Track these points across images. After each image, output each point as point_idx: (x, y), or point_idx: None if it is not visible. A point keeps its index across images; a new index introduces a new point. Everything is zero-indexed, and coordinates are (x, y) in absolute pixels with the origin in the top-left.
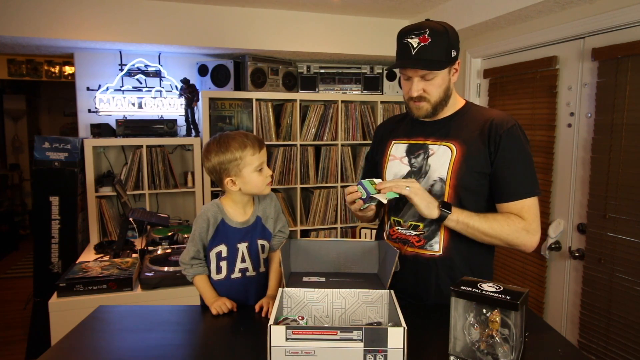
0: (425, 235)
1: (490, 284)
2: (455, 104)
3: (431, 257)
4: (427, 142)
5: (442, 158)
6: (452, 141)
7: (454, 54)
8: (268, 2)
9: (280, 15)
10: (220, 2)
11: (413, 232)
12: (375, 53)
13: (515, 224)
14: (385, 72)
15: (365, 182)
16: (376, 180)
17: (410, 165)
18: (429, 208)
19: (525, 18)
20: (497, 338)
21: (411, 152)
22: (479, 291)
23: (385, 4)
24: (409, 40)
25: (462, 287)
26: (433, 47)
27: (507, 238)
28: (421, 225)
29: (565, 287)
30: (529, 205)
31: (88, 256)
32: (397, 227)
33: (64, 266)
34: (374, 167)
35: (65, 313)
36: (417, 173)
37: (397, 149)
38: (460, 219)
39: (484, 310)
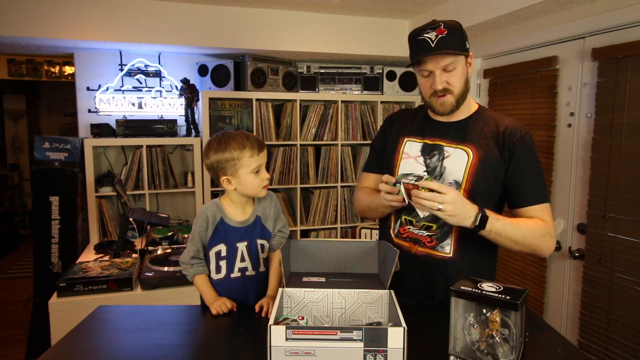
0: (437, 236)
1: (490, 284)
2: (470, 106)
3: (441, 259)
4: (442, 143)
5: (458, 161)
6: (468, 145)
7: (467, 45)
8: (268, 2)
9: (280, 15)
10: (221, 2)
11: (425, 233)
12: (375, 53)
13: (542, 229)
14: (385, 72)
15: (403, 179)
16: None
17: (426, 165)
18: (460, 223)
19: (525, 18)
20: (497, 338)
21: (426, 152)
22: (479, 291)
23: (385, 4)
24: (426, 35)
25: (462, 287)
26: (450, 37)
27: (535, 243)
28: (434, 226)
29: (565, 287)
30: (547, 211)
31: (88, 256)
32: (408, 226)
33: (64, 266)
34: (381, 158)
35: (65, 313)
36: (432, 174)
37: (411, 148)
38: (494, 230)
39: (484, 310)
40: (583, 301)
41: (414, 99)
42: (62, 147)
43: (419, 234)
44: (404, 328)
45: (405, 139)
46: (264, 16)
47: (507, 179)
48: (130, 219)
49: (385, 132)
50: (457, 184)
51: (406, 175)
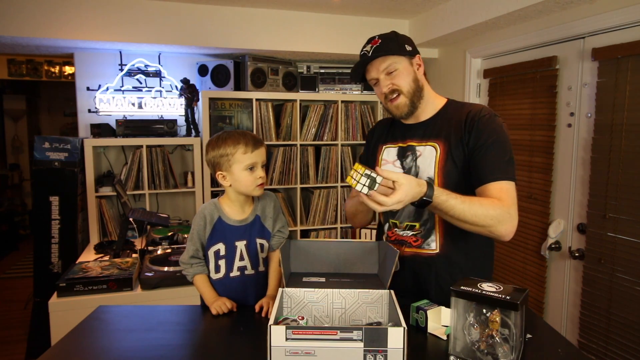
0: (422, 234)
1: (490, 284)
2: (435, 104)
3: (429, 256)
4: (413, 143)
5: (428, 158)
6: (436, 140)
7: (408, 48)
8: (268, 2)
9: (280, 15)
10: (220, 2)
11: (410, 233)
12: None
13: (498, 208)
14: None
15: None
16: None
17: (402, 167)
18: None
19: (525, 18)
20: (497, 338)
21: (401, 154)
22: (479, 291)
23: (385, 4)
24: (364, 50)
25: (462, 287)
26: (385, 44)
27: (490, 223)
28: (417, 225)
29: (565, 287)
30: (507, 189)
31: (88, 256)
32: (395, 229)
33: (64, 266)
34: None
35: (65, 313)
36: (408, 174)
37: (389, 153)
38: (439, 208)
39: (484, 310)
40: (583, 301)
41: None
42: (62, 147)
43: (404, 234)
44: (404, 328)
45: (383, 147)
46: (264, 16)
47: (469, 158)
48: (130, 219)
49: (369, 143)
50: (431, 180)
51: (365, 172)
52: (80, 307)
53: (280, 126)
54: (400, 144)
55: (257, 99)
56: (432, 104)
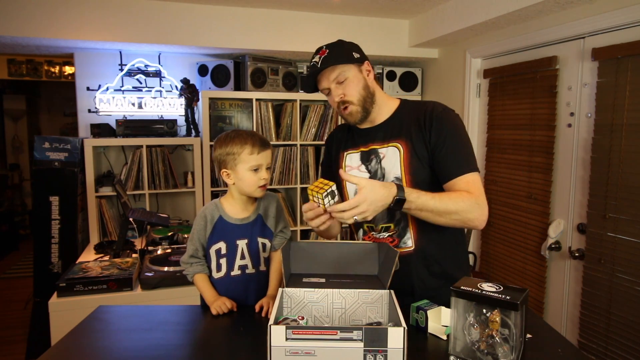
0: (397, 234)
1: (490, 284)
2: (389, 105)
3: (407, 254)
4: (375, 146)
5: (392, 159)
6: (397, 140)
7: (356, 55)
8: (268, 2)
9: (280, 15)
10: (220, 2)
11: (386, 234)
12: (375, 53)
13: (467, 200)
14: (385, 72)
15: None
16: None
17: (368, 171)
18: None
19: (525, 18)
20: (497, 338)
21: (364, 159)
22: (479, 291)
23: (385, 4)
24: (313, 60)
25: (462, 287)
26: (332, 53)
27: (462, 215)
28: (392, 225)
29: (565, 287)
30: (473, 180)
31: (88, 256)
32: (372, 233)
33: (64, 266)
34: (330, 174)
35: (65, 313)
36: (374, 177)
37: (352, 159)
38: (413, 207)
39: (484, 310)
40: (583, 301)
41: (414, 99)
42: (62, 147)
43: (381, 237)
44: (404, 328)
45: (345, 153)
46: (264, 16)
47: (432, 156)
48: (130, 219)
49: (329, 152)
50: (399, 180)
51: (324, 193)
52: (80, 307)
53: (280, 126)
54: (362, 149)
55: (257, 99)
56: (386, 107)
